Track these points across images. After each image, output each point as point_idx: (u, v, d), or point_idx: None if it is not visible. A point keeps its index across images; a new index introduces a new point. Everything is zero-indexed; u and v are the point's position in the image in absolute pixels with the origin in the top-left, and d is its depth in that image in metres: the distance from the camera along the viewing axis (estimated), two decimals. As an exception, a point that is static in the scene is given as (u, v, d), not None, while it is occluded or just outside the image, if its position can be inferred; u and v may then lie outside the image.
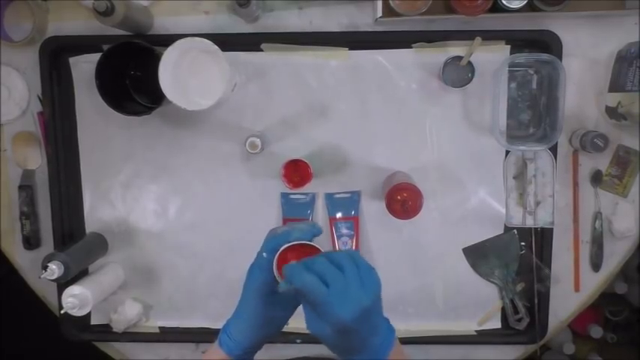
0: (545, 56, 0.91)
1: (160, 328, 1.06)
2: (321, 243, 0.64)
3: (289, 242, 0.59)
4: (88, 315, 1.05)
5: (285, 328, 0.66)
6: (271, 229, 0.65)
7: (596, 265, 1.02)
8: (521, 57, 0.93)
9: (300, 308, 0.60)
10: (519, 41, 0.96)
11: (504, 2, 0.88)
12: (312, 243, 0.59)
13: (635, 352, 1.49)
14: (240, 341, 0.62)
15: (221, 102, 0.90)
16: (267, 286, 0.61)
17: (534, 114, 0.98)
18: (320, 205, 1.02)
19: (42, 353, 1.54)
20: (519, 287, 1.02)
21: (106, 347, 1.09)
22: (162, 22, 0.98)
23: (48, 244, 1.04)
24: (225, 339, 0.63)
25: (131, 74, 0.98)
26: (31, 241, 1.04)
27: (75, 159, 1.02)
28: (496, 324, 1.04)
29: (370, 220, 1.02)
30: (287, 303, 0.63)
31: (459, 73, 0.93)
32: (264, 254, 0.61)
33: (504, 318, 1.03)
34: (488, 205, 1.00)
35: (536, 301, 1.00)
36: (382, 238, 1.02)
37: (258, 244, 1.03)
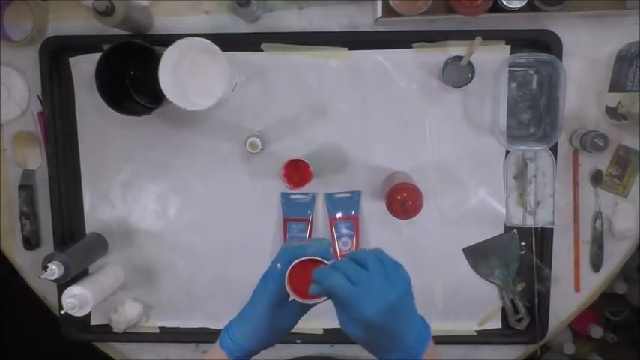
0: (545, 56, 0.91)
1: (160, 328, 1.06)
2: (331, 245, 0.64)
3: (305, 256, 0.60)
4: (88, 315, 1.05)
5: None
6: (286, 241, 0.66)
7: (596, 265, 1.02)
8: (522, 57, 0.93)
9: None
10: (519, 41, 0.96)
11: (504, 2, 0.88)
12: (324, 261, 0.60)
13: (635, 352, 1.48)
14: (241, 344, 0.63)
15: (221, 102, 0.90)
16: (277, 297, 0.61)
17: (534, 114, 0.98)
18: (320, 205, 1.02)
19: (42, 353, 1.55)
20: (519, 287, 1.02)
21: (106, 347, 1.09)
22: (162, 22, 0.98)
23: (48, 244, 1.04)
24: (227, 340, 0.64)
25: (131, 74, 0.98)
26: (31, 241, 1.04)
27: (75, 159, 1.02)
28: (496, 324, 1.04)
29: (370, 220, 1.02)
30: (292, 314, 0.63)
31: (459, 73, 0.93)
32: (279, 265, 0.61)
33: (504, 318, 1.03)
34: (489, 205, 1.00)
35: (536, 301, 1.00)
36: (382, 238, 1.02)
37: (258, 244, 1.03)
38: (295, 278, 0.60)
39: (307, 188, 0.95)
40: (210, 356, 0.65)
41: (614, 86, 0.96)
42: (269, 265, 0.63)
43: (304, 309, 0.63)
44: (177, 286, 1.05)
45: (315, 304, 0.62)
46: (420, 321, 0.59)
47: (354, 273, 0.55)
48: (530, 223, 0.98)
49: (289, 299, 0.61)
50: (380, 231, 1.02)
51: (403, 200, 0.89)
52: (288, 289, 0.60)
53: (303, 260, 0.60)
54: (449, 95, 0.98)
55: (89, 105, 1.00)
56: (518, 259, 1.01)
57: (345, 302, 0.54)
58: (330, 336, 1.01)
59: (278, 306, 0.62)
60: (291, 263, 0.60)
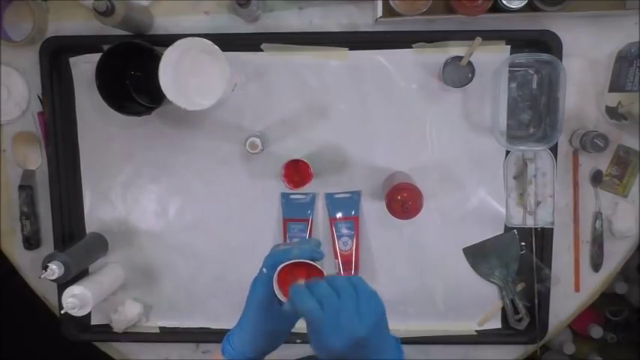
0: (545, 56, 0.91)
1: (160, 328, 1.06)
2: (322, 243, 0.65)
3: (289, 260, 0.60)
4: (89, 315, 1.05)
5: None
6: (275, 245, 0.66)
7: (596, 265, 1.02)
8: (522, 57, 0.93)
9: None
10: (519, 41, 0.96)
11: (504, 2, 0.88)
12: (312, 262, 0.60)
13: (635, 352, 1.49)
14: (241, 351, 0.64)
15: (221, 102, 0.90)
16: (267, 301, 0.62)
17: (534, 114, 0.98)
18: (320, 206, 1.02)
19: (42, 353, 1.55)
20: (519, 287, 1.02)
21: (106, 347, 1.09)
22: (162, 22, 0.98)
23: (48, 244, 1.04)
24: (228, 349, 0.64)
25: (131, 74, 0.98)
26: (31, 241, 1.04)
27: (75, 159, 1.02)
28: (496, 324, 1.04)
29: (370, 220, 1.02)
30: (287, 317, 0.63)
31: (459, 73, 0.93)
32: (264, 270, 0.62)
33: (504, 318, 1.03)
34: (489, 205, 1.00)
35: (536, 301, 1.00)
36: (382, 238, 1.02)
37: (258, 244, 1.03)
38: (284, 282, 0.60)
39: (307, 188, 0.95)
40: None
41: (614, 86, 0.96)
42: (258, 271, 0.63)
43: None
44: (177, 286, 1.05)
45: None
46: (393, 346, 0.58)
47: (327, 299, 0.54)
48: (530, 223, 0.98)
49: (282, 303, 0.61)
50: (380, 231, 1.02)
51: (403, 200, 0.89)
52: (277, 293, 0.60)
53: (290, 263, 0.60)
54: (449, 95, 0.98)
55: (89, 105, 1.00)
56: (518, 259, 1.01)
57: (313, 329, 0.54)
58: (330, 336, 1.01)
59: (271, 310, 0.62)
60: (276, 268, 0.60)
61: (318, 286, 0.56)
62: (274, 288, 0.60)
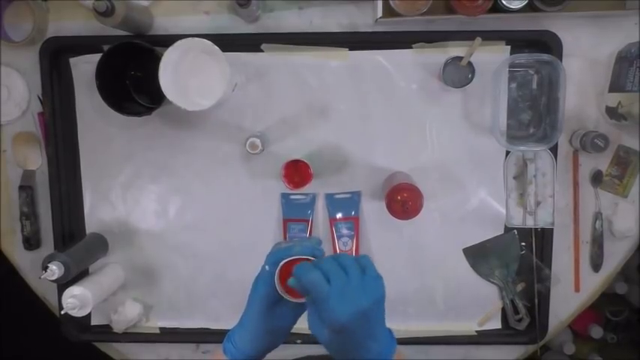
0: (545, 56, 0.91)
1: (160, 328, 1.06)
2: (322, 244, 0.65)
3: (290, 256, 0.60)
4: (89, 315, 1.05)
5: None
6: (276, 243, 0.67)
7: (596, 266, 1.02)
8: (522, 57, 0.93)
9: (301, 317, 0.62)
10: (519, 41, 0.96)
11: (504, 2, 0.88)
12: (313, 259, 0.61)
13: (635, 352, 1.49)
14: (243, 350, 0.64)
15: (221, 102, 0.90)
16: (269, 298, 0.62)
17: (535, 114, 0.98)
18: (320, 206, 1.02)
19: (42, 353, 1.55)
20: (520, 287, 1.02)
21: (107, 348, 1.09)
22: (162, 23, 0.98)
23: (48, 245, 1.04)
24: (230, 347, 0.64)
25: (131, 74, 0.98)
26: (31, 242, 1.04)
27: (75, 159, 1.02)
28: (496, 324, 1.04)
29: (370, 221, 1.02)
30: (288, 315, 0.64)
31: (459, 74, 0.93)
32: (267, 267, 0.62)
33: (505, 318, 1.03)
34: (489, 206, 1.00)
35: (536, 301, 1.00)
36: (382, 239, 1.02)
37: (259, 244, 1.03)
38: (286, 278, 0.60)
39: (307, 188, 0.95)
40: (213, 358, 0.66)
41: (615, 86, 0.96)
42: (260, 269, 0.63)
43: (300, 309, 0.63)
44: (178, 286, 1.05)
45: None
46: (388, 334, 0.59)
47: (333, 273, 0.55)
48: (530, 223, 0.98)
49: (283, 299, 0.62)
50: (380, 231, 1.02)
51: (403, 200, 0.89)
52: (279, 289, 0.60)
53: (292, 260, 0.60)
54: (449, 95, 0.98)
55: (89, 105, 1.00)
56: (518, 259, 1.01)
57: (318, 300, 0.55)
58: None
59: (272, 308, 0.62)
60: (278, 265, 0.60)
61: (325, 261, 0.57)
62: (276, 284, 0.60)
